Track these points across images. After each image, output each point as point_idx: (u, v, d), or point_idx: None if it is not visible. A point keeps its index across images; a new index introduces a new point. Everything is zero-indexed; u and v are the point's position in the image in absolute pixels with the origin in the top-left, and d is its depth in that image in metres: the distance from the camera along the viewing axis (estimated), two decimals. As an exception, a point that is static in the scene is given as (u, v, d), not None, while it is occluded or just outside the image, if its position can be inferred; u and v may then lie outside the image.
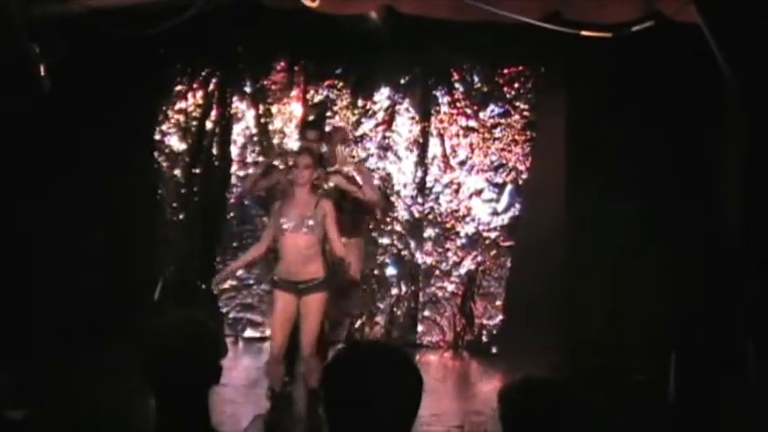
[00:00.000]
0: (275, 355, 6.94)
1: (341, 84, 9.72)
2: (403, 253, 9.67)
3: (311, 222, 6.79)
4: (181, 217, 9.68)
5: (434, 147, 9.62)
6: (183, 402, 2.83)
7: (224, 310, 9.61)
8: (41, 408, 6.17)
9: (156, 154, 9.68)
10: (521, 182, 9.48)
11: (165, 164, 9.71)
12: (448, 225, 9.45)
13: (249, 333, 9.66)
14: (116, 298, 8.86)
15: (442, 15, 6.71)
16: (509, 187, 9.48)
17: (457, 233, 9.53)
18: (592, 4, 6.12)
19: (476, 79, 9.54)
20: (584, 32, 6.10)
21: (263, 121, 9.74)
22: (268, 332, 9.60)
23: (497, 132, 9.49)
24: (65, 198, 8.00)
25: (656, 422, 7.01)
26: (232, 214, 9.78)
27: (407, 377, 2.41)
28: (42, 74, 6.37)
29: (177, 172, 9.70)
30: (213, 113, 9.75)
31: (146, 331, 2.95)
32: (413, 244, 9.66)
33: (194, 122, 9.74)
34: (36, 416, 6.02)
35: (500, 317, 9.49)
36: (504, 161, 9.48)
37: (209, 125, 9.76)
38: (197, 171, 9.74)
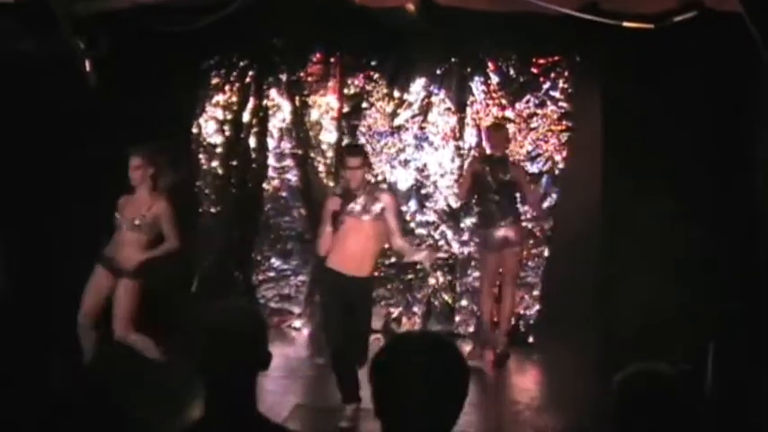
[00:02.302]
0: None
1: (377, 75, 9.75)
2: (440, 243, 9.70)
3: None
4: (218, 209, 9.75)
5: (470, 137, 9.64)
6: (232, 388, 2.90)
7: (262, 301, 9.69)
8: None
9: (194, 146, 9.76)
10: (557, 172, 9.48)
11: (202, 156, 9.78)
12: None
13: (287, 323, 9.74)
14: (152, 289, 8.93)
15: (478, 6, 6.71)
16: (545, 177, 9.49)
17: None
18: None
19: (511, 70, 9.54)
20: (625, 24, 6.08)
21: (299, 113, 9.79)
22: (306, 322, 9.77)
23: (533, 122, 9.50)
24: (104, 191, 8.07)
25: (693, 414, 6.99)
26: (269, 206, 9.85)
27: (457, 366, 2.47)
28: (88, 69, 6.45)
29: (215, 164, 9.77)
30: (250, 106, 9.80)
31: (197, 319, 3.03)
32: (450, 234, 9.69)
33: (231, 115, 9.80)
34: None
35: (537, 306, 9.51)
36: (541, 151, 9.49)
37: (245, 117, 9.82)
38: (234, 163, 9.80)
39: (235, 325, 2.96)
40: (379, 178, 9.71)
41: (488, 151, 8.91)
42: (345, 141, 9.74)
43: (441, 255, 9.46)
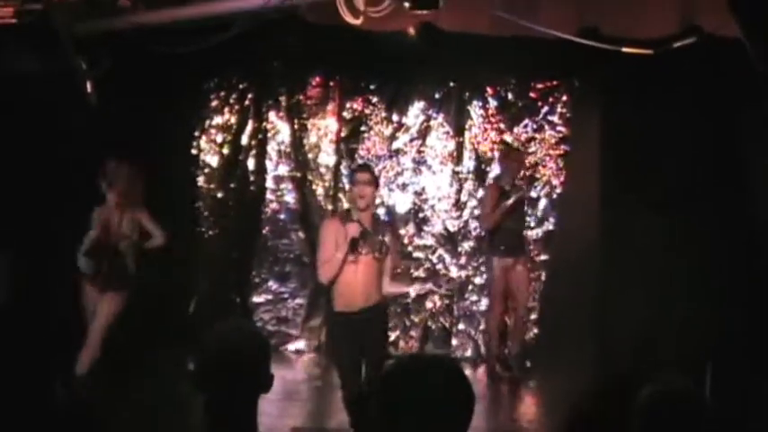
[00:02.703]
0: None
1: (376, 99, 9.80)
2: (438, 267, 9.71)
3: None
4: (217, 231, 9.74)
5: (469, 161, 9.68)
6: (234, 409, 2.89)
7: (259, 324, 9.67)
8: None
9: (193, 168, 9.77)
10: (555, 196, 9.52)
11: (201, 178, 9.79)
12: (482, 239, 9.46)
13: (284, 346, 9.71)
14: (151, 310, 8.92)
15: (480, 31, 6.75)
16: (543, 201, 9.51)
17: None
18: (629, 19, 6.15)
19: (510, 94, 9.61)
20: (625, 49, 6.10)
21: (298, 135, 9.82)
22: (303, 345, 9.76)
23: (531, 147, 9.54)
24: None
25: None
26: (267, 228, 9.85)
27: (461, 390, 2.46)
28: (89, 88, 6.48)
29: (214, 186, 9.77)
30: (249, 128, 9.82)
31: (198, 340, 3.02)
32: (447, 258, 9.70)
33: (230, 137, 9.81)
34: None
35: (534, 330, 9.50)
36: (539, 175, 9.52)
37: (244, 140, 9.83)
38: (232, 185, 9.81)
39: (237, 346, 2.96)
40: (377, 201, 9.72)
41: (502, 176, 8.93)
42: (344, 164, 9.77)
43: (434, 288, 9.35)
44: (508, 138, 9.56)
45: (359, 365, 6.52)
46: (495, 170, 9.51)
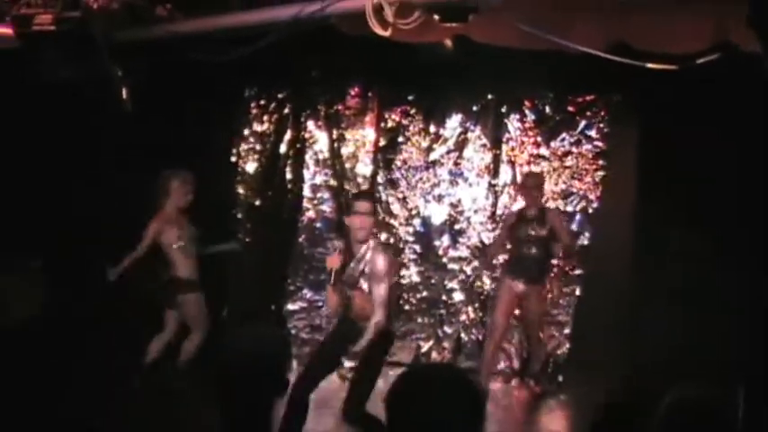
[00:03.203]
0: None
1: (414, 110, 9.85)
2: (471, 279, 9.73)
3: None
4: (253, 238, 9.83)
5: (505, 174, 9.69)
6: (248, 412, 2.95)
7: (293, 331, 9.74)
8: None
9: (231, 176, 9.88)
10: (590, 210, 9.49)
11: (239, 186, 9.90)
12: (505, 255, 9.44)
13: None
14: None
15: (512, 44, 6.75)
16: (578, 216, 9.49)
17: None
18: (660, 35, 6.12)
19: (547, 108, 9.61)
20: (650, 65, 6.09)
21: (336, 145, 9.90)
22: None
23: (568, 161, 9.53)
24: (143, 218, 8.21)
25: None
26: (303, 236, 9.93)
27: (471, 400, 2.48)
28: (125, 96, 6.58)
29: (250, 194, 9.88)
30: (287, 137, 9.93)
31: (221, 344, 3.09)
32: (482, 270, 9.71)
33: (269, 146, 9.92)
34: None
35: (567, 345, 9.47)
36: (575, 189, 9.50)
37: (283, 148, 9.94)
38: (270, 193, 9.91)
39: (252, 350, 3.02)
40: (413, 212, 9.79)
41: (524, 205, 8.81)
42: (381, 174, 9.83)
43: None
44: (545, 151, 9.55)
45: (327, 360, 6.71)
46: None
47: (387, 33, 5.57)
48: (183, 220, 8.01)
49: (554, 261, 9.06)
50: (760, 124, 8.07)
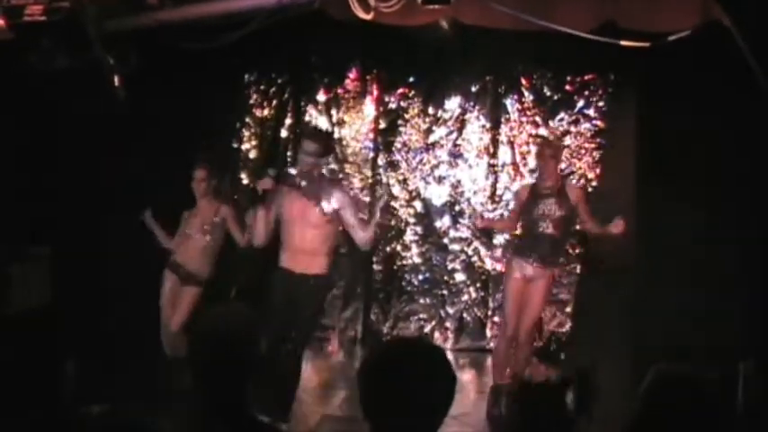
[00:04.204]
0: None
1: (413, 92, 9.88)
2: (473, 259, 9.78)
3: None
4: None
5: (504, 154, 9.72)
6: (221, 388, 3.01)
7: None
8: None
9: (233, 161, 9.94)
10: (590, 189, 9.49)
11: (240, 171, 9.97)
12: (518, 232, 9.46)
13: (320, 336, 9.84)
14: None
15: (502, 26, 6.79)
16: (578, 194, 9.49)
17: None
18: (647, 14, 6.14)
19: (546, 87, 9.61)
20: (623, 43, 6.12)
21: (336, 129, 9.94)
22: (338, 335, 9.89)
23: (567, 140, 9.54)
24: (140, 206, 8.31)
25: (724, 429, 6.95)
26: (305, 220, 9.97)
27: (440, 373, 2.54)
28: (117, 84, 6.66)
29: (252, 179, 9.93)
30: (287, 122, 9.99)
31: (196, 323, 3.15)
32: (483, 250, 9.76)
33: (269, 131, 9.98)
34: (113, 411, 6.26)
35: (569, 324, 9.52)
36: (574, 168, 9.52)
37: (283, 133, 10.00)
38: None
39: (223, 327, 3.09)
40: (414, 194, 9.84)
41: (539, 178, 7.86)
42: (381, 157, 9.88)
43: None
44: (543, 131, 9.57)
45: (282, 324, 6.58)
46: (530, 163, 9.53)
47: (369, 17, 5.62)
48: (211, 212, 7.92)
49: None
50: (756, 100, 8.07)
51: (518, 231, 8.16)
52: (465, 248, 9.78)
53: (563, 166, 9.39)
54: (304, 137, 6.92)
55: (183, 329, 7.71)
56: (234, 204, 8.15)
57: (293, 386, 6.79)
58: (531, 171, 9.50)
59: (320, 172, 6.78)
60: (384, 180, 9.89)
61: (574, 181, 9.28)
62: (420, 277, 9.79)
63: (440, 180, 9.83)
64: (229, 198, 8.44)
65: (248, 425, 3.01)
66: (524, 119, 9.66)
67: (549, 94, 9.61)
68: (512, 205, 9.00)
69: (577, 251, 9.53)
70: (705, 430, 3.02)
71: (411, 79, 9.87)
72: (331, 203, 6.63)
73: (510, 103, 9.69)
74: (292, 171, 6.93)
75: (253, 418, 3.02)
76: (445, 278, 9.79)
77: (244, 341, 3.08)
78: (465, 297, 9.77)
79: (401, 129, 9.89)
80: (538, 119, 9.62)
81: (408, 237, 9.87)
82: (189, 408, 3.12)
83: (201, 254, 7.91)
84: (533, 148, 9.46)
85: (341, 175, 9.80)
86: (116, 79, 6.43)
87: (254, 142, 10.00)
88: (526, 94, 9.65)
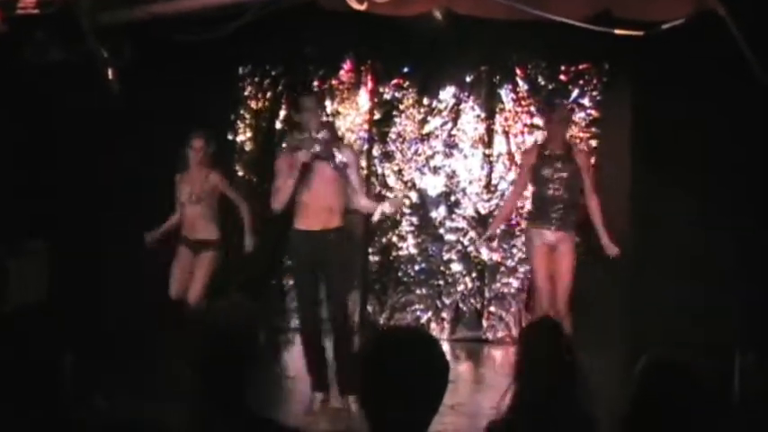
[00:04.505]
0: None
1: (407, 83, 9.86)
2: (469, 249, 9.78)
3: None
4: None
5: (500, 144, 9.72)
6: (219, 383, 3.01)
7: (293, 306, 9.80)
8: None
9: (228, 153, 9.92)
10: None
11: (236, 164, 9.96)
12: (513, 221, 9.47)
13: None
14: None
15: (496, 16, 6.79)
16: (574, 184, 9.49)
17: (522, 230, 9.54)
18: (642, 3, 6.15)
19: (540, 77, 9.61)
20: (617, 31, 6.13)
21: (331, 120, 9.92)
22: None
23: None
24: (135, 200, 8.30)
25: (720, 422, 6.95)
26: (300, 212, 9.96)
27: (436, 360, 2.55)
28: (111, 77, 6.65)
29: (247, 171, 9.95)
30: (282, 114, 9.97)
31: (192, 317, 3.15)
32: (478, 240, 9.76)
33: (264, 123, 9.97)
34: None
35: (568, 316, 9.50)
36: (569, 158, 9.50)
37: (278, 125, 9.98)
38: (267, 170, 9.92)
39: (218, 321, 3.09)
40: (409, 185, 9.83)
41: (545, 140, 7.90)
42: (376, 148, 9.88)
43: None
44: (539, 121, 9.56)
45: (315, 288, 6.75)
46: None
47: (362, 7, 5.61)
48: (201, 179, 8.05)
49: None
50: (757, 89, 8.08)
51: (528, 201, 8.19)
52: (461, 239, 9.78)
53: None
54: (300, 97, 7.04)
55: (202, 299, 7.83)
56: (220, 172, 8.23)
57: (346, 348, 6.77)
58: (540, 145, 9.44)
59: (329, 130, 6.92)
60: (379, 171, 9.88)
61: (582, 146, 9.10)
62: (416, 268, 9.80)
63: (435, 170, 9.83)
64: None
65: (248, 420, 3.01)
66: (519, 109, 9.66)
67: (543, 83, 9.61)
68: (508, 192, 9.06)
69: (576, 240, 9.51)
70: (700, 412, 3.03)
71: (405, 70, 9.86)
72: (340, 158, 6.74)
73: (505, 93, 9.68)
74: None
75: (253, 413, 3.02)
76: (441, 269, 9.79)
77: (244, 336, 3.08)
78: (461, 287, 9.78)
79: (396, 119, 9.88)
80: (533, 108, 9.60)
81: (404, 227, 9.86)
82: (189, 405, 3.10)
83: (200, 220, 8.04)
84: (528, 138, 9.49)
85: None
86: (110, 72, 6.39)
87: (248, 134, 9.99)
88: (521, 83, 9.65)
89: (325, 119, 7.22)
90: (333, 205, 6.77)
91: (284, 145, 7.09)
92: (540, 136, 9.03)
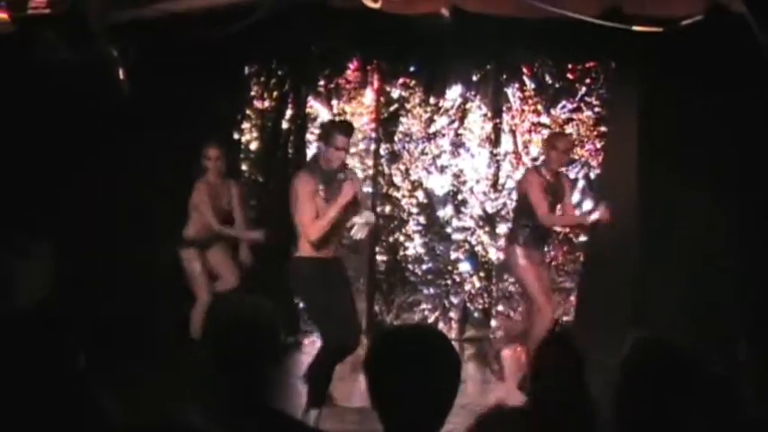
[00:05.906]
0: None
1: (414, 82, 9.85)
2: (476, 249, 9.77)
3: None
4: (256, 214, 9.87)
5: (506, 143, 9.71)
6: (239, 376, 2.99)
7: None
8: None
9: (234, 153, 9.90)
10: (593, 177, 9.50)
11: (242, 163, 9.94)
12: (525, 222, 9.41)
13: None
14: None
15: (505, 13, 6.77)
16: (581, 183, 9.50)
17: (530, 229, 9.54)
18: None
19: (547, 76, 9.60)
20: (635, 28, 6.11)
21: (337, 120, 9.89)
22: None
23: (569, 128, 9.53)
24: (141, 197, 8.28)
25: (729, 418, 6.94)
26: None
27: (445, 360, 2.53)
28: (121, 77, 6.63)
29: (254, 170, 9.93)
30: (288, 113, 9.95)
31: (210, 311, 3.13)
32: (486, 239, 9.75)
33: (270, 122, 9.94)
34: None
35: (573, 312, 9.51)
36: (576, 156, 9.49)
37: (284, 125, 9.96)
38: (273, 170, 9.94)
39: (238, 316, 3.08)
40: (416, 184, 9.82)
41: (549, 164, 7.82)
42: (383, 147, 9.86)
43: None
44: (545, 120, 9.56)
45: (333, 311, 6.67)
46: (532, 152, 9.53)
47: (377, 5, 5.59)
48: (220, 191, 8.17)
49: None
50: (759, 84, 8.07)
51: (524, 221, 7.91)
52: (468, 238, 9.77)
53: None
54: (335, 132, 6.75)
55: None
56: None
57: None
58: (534, 159, 9.49)
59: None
60: (386, 170, 9.87)
61: (576, 169, 9.29)
62: (423, 267, 9.78)
63: (442, 170, 9.82)
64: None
65: (271, 418, 3.00)
66: (526, 107, 9.65)
67: (550, 82, 9.60)
68: (516, 192, 8.95)
69: (580, 239, 9.52)
70: (683, 392, 3.05)
71: (412, 69, 9.84)
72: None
73: (511, 92, 9.67)
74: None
75: (276, 412, 3.01)
76: (449, 268, 9.78)
77: (267, 334, 3.07)
78: (468, 287, 9.77)
79: (402, 119, 9.86)
80: (539, 107, 9.60)
81: (411, 227, 9.86)
82: (208, 405, 3.08)
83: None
84: (535, 137, 9.48)
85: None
86: (120, 72, 6.38)
87: (255, 134, 9.95)
88: (528, 82, 9.64)
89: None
90: (340, 231, 6.95)
91: (301, 172, 6.97)
92: (544, 134, 9.21)
